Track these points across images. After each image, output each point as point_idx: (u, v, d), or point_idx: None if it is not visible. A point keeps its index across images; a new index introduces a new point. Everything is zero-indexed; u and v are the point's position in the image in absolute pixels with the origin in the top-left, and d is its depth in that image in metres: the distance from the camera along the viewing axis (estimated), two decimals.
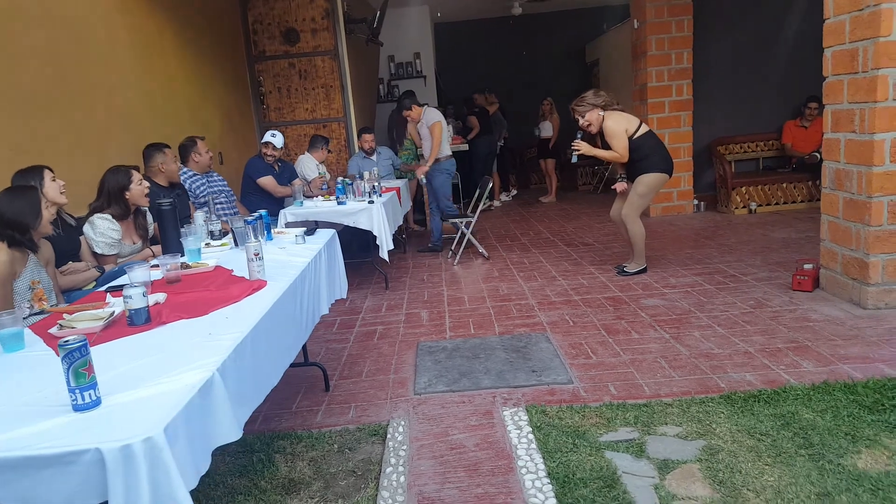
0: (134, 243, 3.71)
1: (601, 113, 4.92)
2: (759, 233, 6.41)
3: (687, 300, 4.39)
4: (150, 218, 3.85)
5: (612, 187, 5.22)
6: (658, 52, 7.55)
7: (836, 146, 4.08)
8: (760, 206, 7.62)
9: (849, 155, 3.95)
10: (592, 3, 11.68)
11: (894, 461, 2.33)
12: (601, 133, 4.99)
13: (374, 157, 7.31)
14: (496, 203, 10.03)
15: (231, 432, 1.60)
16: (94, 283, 3.34)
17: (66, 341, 1.42)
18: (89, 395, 1.43)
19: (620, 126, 4.87)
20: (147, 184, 3.71)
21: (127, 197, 3.59)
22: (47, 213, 2.81)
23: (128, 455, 1.26)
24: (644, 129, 4.93)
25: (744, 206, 7.63)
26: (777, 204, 7.66)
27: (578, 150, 4.92)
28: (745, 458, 2.42)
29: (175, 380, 1.54)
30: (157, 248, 3.65)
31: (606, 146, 5.00)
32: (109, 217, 3.53)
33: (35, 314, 2.43)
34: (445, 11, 11.29)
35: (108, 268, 3.50)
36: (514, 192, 11.05)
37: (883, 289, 3.85)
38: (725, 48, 7.79)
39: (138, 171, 3.69)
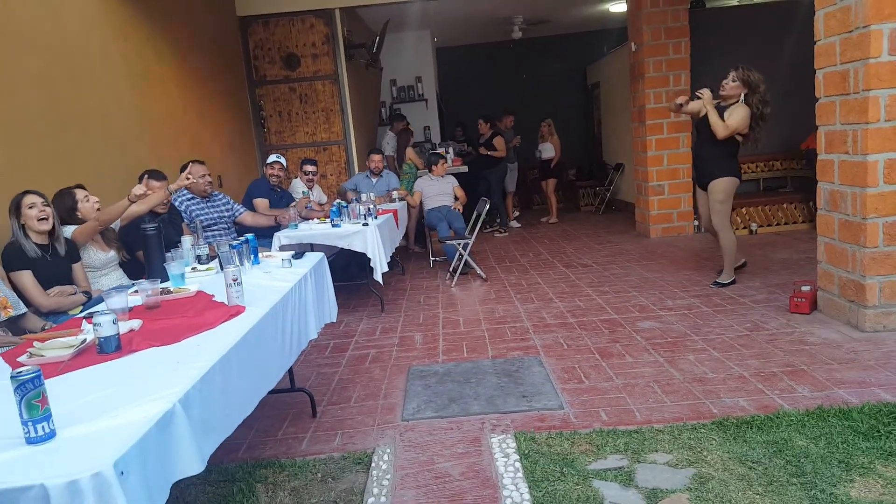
0: (105, 252, 3.77)
1: (741, 98, 4.89)
2: (759, 254, 6.34)
3: (683, 323, 4.32)
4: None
5: (677, 101, 5.15)
6: (656, 73, 7.56)
7: (830, 167, 4.03)
8: (761, 226, 7.56)
9: (843, 176, 3.91)
10: (592, 26, 11.74)
11: (888, 490, 2.26)
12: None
13: (374, 180, 7.30)
14: (514, 224, 9.89)
15: (192, 465, 1.56)
16: (81, 308, 3.33)
17: (19, 372, 1.38)
18: (42, 427, 1.39)
19: (743, 122, 4.83)
20: (96, 198, 3.76)
21: (79, 216, 3.66)
22: None
23: (74, 491, 1.22)
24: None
25: (744, 227, 7.57)
26: (778, 224, 7.60)
27: (701, 95, 5.02)
28: (736, 487, 2.36)
29: (133, 411, 1.50)
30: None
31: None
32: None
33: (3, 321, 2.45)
34: (447, 36, 11.37)
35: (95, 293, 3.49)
36: (517, 213, 11.00)
37: (880, 311, 3.78)
38: (722, 70, 7.71)
39: (83, 189, 3.76)
